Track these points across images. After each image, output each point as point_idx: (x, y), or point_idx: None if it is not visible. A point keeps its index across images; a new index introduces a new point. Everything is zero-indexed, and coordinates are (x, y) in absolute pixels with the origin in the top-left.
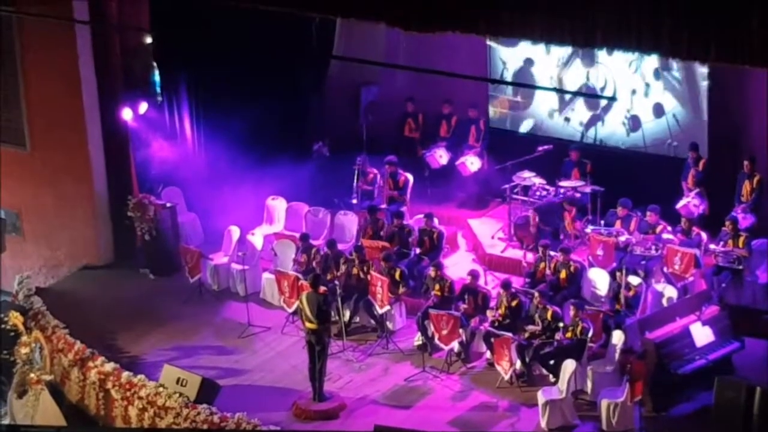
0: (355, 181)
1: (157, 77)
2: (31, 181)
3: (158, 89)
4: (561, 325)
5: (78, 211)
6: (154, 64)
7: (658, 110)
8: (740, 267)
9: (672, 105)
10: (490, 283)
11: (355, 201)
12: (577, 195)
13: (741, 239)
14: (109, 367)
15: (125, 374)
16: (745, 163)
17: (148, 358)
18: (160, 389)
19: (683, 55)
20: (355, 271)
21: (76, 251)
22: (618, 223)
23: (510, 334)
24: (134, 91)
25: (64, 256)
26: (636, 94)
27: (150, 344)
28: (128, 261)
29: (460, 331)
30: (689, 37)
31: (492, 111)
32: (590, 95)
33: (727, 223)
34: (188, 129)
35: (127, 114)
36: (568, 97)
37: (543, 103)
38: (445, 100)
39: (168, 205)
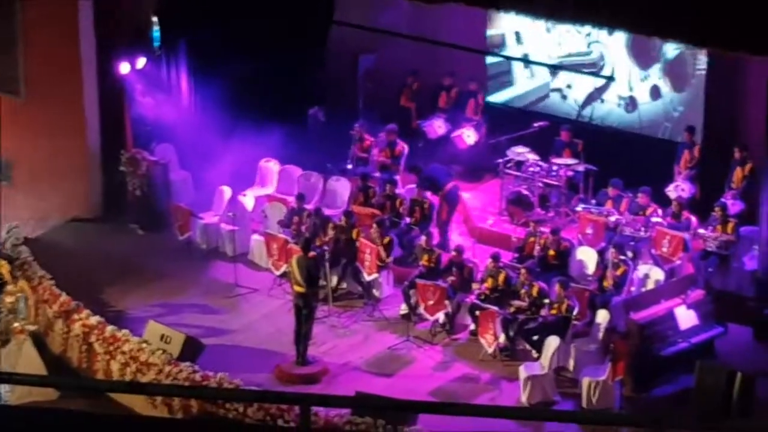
0: (353, 145)
1: (156, 33)
2: (25, 130)
3: (157, 45)
4: (547, 301)
5: (70, 162)
6: (155, 19)
7: (655, 93)
8: (728, 253)
9: (669, 88)
10: (478, 256)
11: (350, 166)
12: (570, 173)
13: (730, 225)
14: (94, 320)
15: (109, 328)
16: (736, 150)
17: (133, 313)
18: (144, 345)
19: (683, 40)
20: (344, 236)
21: (66, 203)
22: (609, 203)
23: (495, 308)
24: (133, 46)
25: (54, 208)
26: (634, 75)
27: (136, 300)
28: (117, 215)
29: (446, 302)
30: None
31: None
32: (589, 73)
33: (716, 208)
34: (185, 87)
35: (124, 68)
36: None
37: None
38: (447, 71)
39: (160, 161)
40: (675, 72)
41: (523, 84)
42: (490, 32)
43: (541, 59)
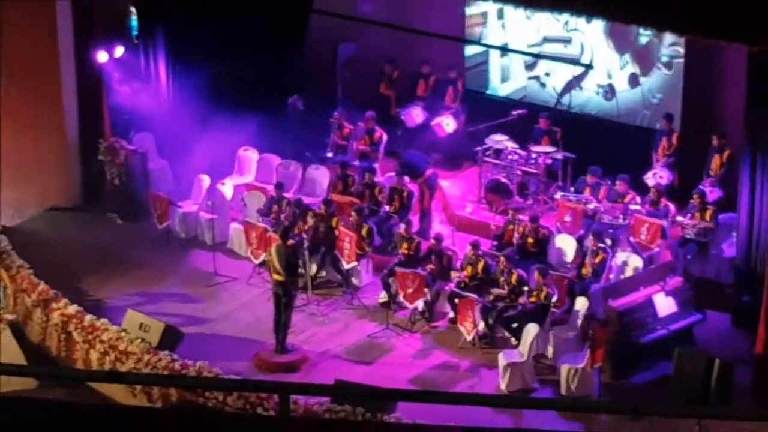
0: (332, 134)
1: (134, 21)
2: (3, 120)
3: (135, 34)
4: (526, 289)
5: (48, 152)
6: (132, 8)
7: (633, 80)
8: (706, 240)
9: (647, 76)
10: (457, 244)
11: (329, 155)
12: (548, 161)
13: (708, 212)
14: (72, 309)
15: (88, 317)
16: (714, 137)
17: (111, 302)
18: (123, 334)
19: (661, 27)
20: (323, 225)
21: (45, 192)
22: (587, 191)
23: (474, 296)
24: (111, 35)
25: (32, 196)
26: (612, 63)
27: (114, 289)
28: (96, 204)
29: (425, 290)
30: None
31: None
32: (567, 61)
33: (695, 196)
34: (163, 75)
35: (102, 57)
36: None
37: (520, 67)
38: (424, 60)
39: (139, 150)
40: (642, 57)
41: (498, 85)
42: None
43: (521, 47)
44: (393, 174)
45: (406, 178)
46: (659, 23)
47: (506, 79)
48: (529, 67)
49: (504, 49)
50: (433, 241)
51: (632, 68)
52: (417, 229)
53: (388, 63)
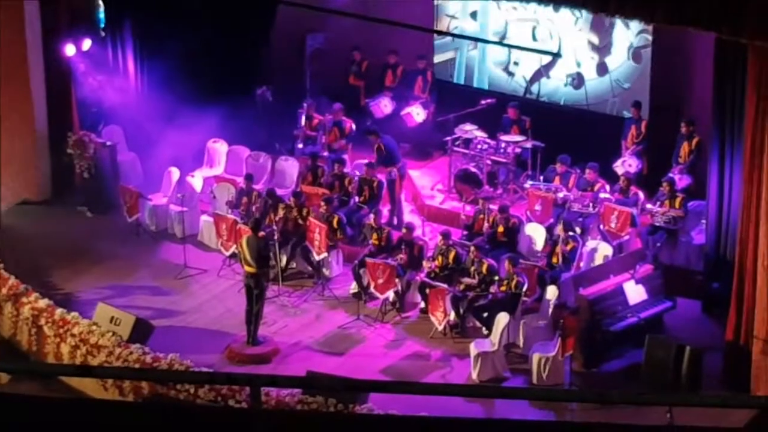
0: (301, 125)
1: (101, 14)
2: None
3: (102, 26)
4: (496, 278)
5: (17, 146)
6: (100, 1)
7: (602, 69)
8: (676, 227)
9: (615, 65)
10: (427, 234)
11: (299, 146)
12: (518, 150)
13: (677, 200)
14: (43, 303)
15: (59, 311)
16: (683, 124)
17: (82, 296)
18: (94, 327)
19: (629, 15)
20: (293, 216)
21: (14, 186)
22: (557, 179)
23: (445, 286)
24: (78, 28)
25: (2, 191)
26: (580, 51)
27: (85, 282)
28: (66, 198)
29: (396, 280)
30: None
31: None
32: (535, 50)
33: (664, 183)
34: (131, 68)
35: (70, 50)
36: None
37: (489, 57)
38: (390, 50)
39: (108, 143)
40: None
41: (467, 75)
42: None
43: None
44: (363, 162)
45: (377, 170)
46: (627, 11)
47: (475, 69)
48: (498, 56)
49: (473, 39)
50: (404, 230)
51: (600, 56)
52: (387, 220)
53: (356, 53)
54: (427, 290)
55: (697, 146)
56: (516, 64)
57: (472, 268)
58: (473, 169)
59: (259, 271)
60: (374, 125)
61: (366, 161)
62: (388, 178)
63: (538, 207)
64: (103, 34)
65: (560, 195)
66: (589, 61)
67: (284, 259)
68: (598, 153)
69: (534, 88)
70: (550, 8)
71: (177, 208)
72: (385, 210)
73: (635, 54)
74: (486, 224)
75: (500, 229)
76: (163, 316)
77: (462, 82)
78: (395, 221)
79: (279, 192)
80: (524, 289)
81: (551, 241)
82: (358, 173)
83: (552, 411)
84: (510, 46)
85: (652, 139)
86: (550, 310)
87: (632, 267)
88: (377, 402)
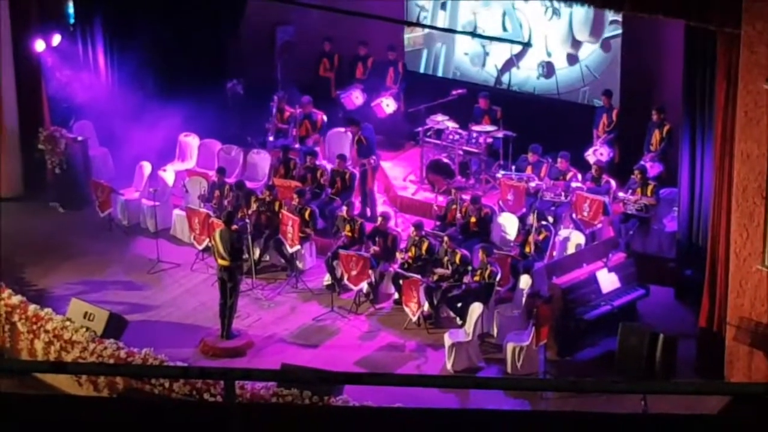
0: (273, 117)
1: (71, 9)
2: None
3: (71, 21)
4: (469, 268)
5: None
6: None
7: (572, 58)
8: (648, 215)
9: (586, 53)
10: (400, 225)
11: (271, 139)
12: (489, 140)
13: (649, 188)
14: (16, 299)
15: (32, 307)
16: (654, 112)
17: (55, 291)
18: (67, 323)
19: (598, 4)
20: (265, 209)
21: None
22: (529, 169)
23: (419, 276)
24: (47, 23)
25: None
26: (550, 41)
27: (58, 278)
28: (38, 194)
29: (369, 272)
30: None
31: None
32: (505, 40)
33: (635, 171)
34: (101, 63)
35: (39, 45)
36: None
37: (459, 47)
38: (360, 41)
39: (79, 138)
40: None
41: (437, 65)
42: None
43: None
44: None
45: (349, 162)
46: (596, 1)
47: (445, 59)
48: (468, 46)
49: (443, 30)
50: (380, 219)
51: (570, 46)
52: (359, 211)
53: (326, 45)
54: (401, 281)
55: (668, 134)
56: (487, 54)
57: (446, 259)
58: (445, 160)
59: (233, 264)
60: (348, 116)
61: (338, 153)
62: (362, 170)
63: (510, 197)
64: (72, 29)
65: (532, 184)
66: (560, 50)
67: (257, 252)
68: (570, 142)
69: (505, 77)
70: None
71: (149, 202)
72: (357, 202)
73: (605, 43)
74: (459, 215)
75: (473, 219)
76: (136, 311)
77: (432, 72)
78: (368, 212)
79: (251, 185)
80: (497, 278)
81: (524, 230)
82: (329, 165)
83: (527, 400)
84: (480, 36)
85: (623, 128)
86: (524, 300)
87: (605, 255)
88: (352, 394)
